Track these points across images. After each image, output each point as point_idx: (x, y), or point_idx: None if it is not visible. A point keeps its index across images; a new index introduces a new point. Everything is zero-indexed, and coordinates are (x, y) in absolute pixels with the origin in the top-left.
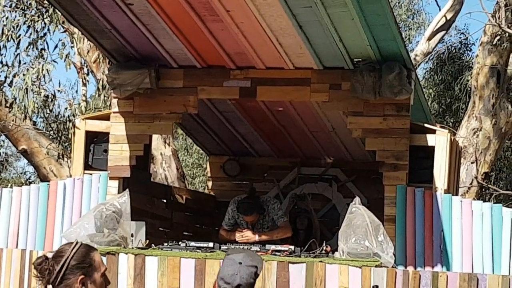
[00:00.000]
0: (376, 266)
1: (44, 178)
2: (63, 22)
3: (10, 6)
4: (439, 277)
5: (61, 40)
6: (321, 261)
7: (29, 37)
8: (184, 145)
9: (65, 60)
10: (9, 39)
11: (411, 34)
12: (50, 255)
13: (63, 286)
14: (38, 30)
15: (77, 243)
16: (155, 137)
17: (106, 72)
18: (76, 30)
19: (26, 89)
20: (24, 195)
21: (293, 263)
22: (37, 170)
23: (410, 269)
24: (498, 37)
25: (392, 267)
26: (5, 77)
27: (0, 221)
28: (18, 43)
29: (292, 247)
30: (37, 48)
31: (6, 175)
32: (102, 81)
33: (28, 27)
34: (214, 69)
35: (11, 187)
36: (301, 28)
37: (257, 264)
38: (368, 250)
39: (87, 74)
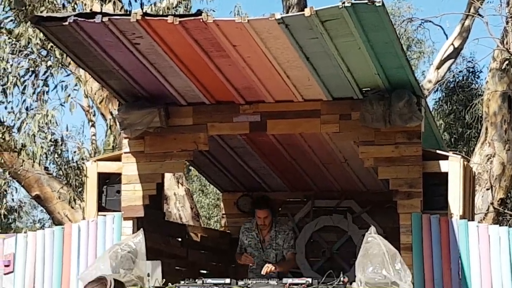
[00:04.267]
0: None
1: (58, 223)
2: (69, 64)
3: (13, 53)
4: None
5: (64, 82)
6: None
7: (34, 82)
8: (199, 187)
9: (68, 102)
10: (15, 85)
11: (412, 63)
12: None
13: None
14: (42, 74)
15: (111, 280)
16: (168, 177)
17: (115, 112)
18: (82, 72)
19: (34, 135)
20: (39, 239)
21: None
22: (51, 215)
23: None
24: (507, 62)
25: None
26: (13, 124)
27: (16, 266)
28: (24, 89)
29: (310, 279)
30: (44, 93)
31: (22, 224)
32: (110, 122)
33: (33, 72)
34: (223, 105)
35: (25, 233)
36: (308, 60)
37: None
38: (386, 279)
39: (94, 115)
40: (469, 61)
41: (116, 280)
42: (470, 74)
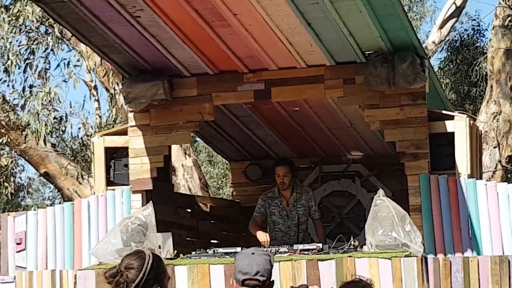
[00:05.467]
0: (405, 256)
1: (68, 199)
2: (69, 39)
3: (12, 31)
4: (469, 262)
5: (66, 59)
6: (350, 256)
7: (36, 60)
8: (206, 158)
9: (71, 78)
10: (16, 63)
11: (414, 24)
12: (123, 266)
13: None
14: (42, 51)
15: (149, 253)
16: (175, 148)
17: (119, 86)
18: (83, 47)
19: (37, 113)
20: (50, 216)
21: (322, 260)
22: (61, 192)
23: (440, 256)
24: (510, 19)
25: (422, 256)
26: (17, 102)
27: (28, 244)
28: (26, 67)
29: (320, 244)
30: (45, 70)
31: (31, 202)
32: (111, 96)
33: (33, 50)
34: (226, 75)
35: (35, 210)
36: (310, 26)
37: (270, 254)
38: (396, 241)
39: (95, 89)
40: (473, 20)
41: (154, 254)
42: (475, 32)
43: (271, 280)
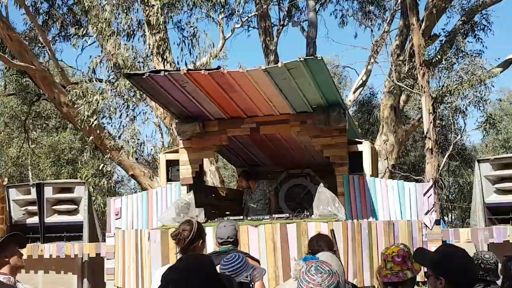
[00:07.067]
0: (335, 221)
1: (144, 189)
2: (145, 99)
3: (115, 96)
4: (371, 224)
5: (144, 110)
6: (304, 221)
7: (126, 111)
8: (223, 165)
9: (146, 121)
10: (114, 113)
11: (340, 91)
12: (181, 229)
13: (192, 248)
14: (132, 106)
15: (195, 221)
16: (206, 160)
17: (174, 125)
18: (153, 103)
19: (127, 140)
20: (134, 199)
21: (289, 223)
22: (140, 185)
23: (355, 221)
24: (392, 87)
25: (345, 221)
26: (115, 135)
27: (122, 215)
28: (120, 115)
29: (287, 214)
30: (134, 117)
31: (123, 190)
32: (170, 131)
33: (127, 106)
34: (234, 119)
35: (126, 196)
36: (281, 91)
37: (234, 224)
38: (330, 213)
39: (160, 127)
40: (370, 88)
41: (197, 221)
42: (371, 95)
43: (236, 239)
